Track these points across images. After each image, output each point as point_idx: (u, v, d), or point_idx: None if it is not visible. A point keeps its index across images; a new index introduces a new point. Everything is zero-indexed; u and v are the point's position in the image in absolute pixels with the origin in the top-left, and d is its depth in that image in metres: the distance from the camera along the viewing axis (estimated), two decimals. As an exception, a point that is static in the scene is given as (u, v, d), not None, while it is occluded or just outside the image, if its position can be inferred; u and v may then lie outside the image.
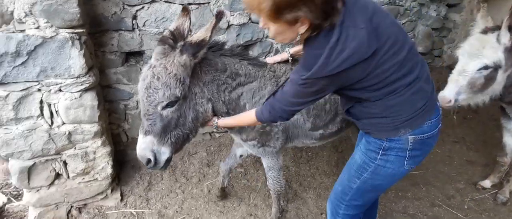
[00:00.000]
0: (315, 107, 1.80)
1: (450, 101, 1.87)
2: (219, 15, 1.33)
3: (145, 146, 1.45)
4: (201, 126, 1.62)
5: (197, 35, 1.38)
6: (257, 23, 2.78)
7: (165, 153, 1.48)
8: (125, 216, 2.35)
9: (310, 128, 1.87)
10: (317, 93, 1.20)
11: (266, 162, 2.00)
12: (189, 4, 2.42)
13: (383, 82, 1.18)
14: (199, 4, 2.46)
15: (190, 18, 1.46)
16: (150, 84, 1.38)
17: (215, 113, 1.61)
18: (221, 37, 2.63)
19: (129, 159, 2.78)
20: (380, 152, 1.34)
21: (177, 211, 2.41)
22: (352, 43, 1.05)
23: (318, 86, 1.15)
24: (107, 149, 2.26)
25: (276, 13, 1.02)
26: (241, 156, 2.25)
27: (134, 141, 2.75)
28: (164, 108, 1.41)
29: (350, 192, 1.47)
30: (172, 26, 1.47)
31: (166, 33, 1.44)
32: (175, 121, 1.46)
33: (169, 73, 1.37)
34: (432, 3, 3.79)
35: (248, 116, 1.44)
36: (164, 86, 1.37)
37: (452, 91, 1.88)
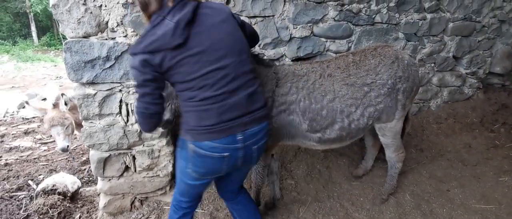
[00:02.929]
0: (311, 111, 1.94)
1: None
2: None
3: None
4: None
5: None
6: (319, 36, 2.79)
7: (165, 115, 1.81)
8: (180, 213, 2.50)
9: (307, 130, 2.01)
10: (143, 75, 1.32)
11: None
12: (255, 16, 2.53)
13: (186, 84, 1.36)
14: (264, 17, 2.55)
15: None
16: None
17: None
18: (282, 49, 2.68)
19: (186, 159, 2.95)
20: (179, 148, 1.60)
21: (227, 215, 2.48)
22: (159, 31, 1.28)
23: (138, 66, 1.30)
24: (170, 148, 2.43)
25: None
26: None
27: (193, 143, 2.92)
28: None
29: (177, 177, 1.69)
30: None
31: None
32: (175, 93, 1.76)
33: None
34: (515, 20, 3.42)
35: None
36: None
37: None
